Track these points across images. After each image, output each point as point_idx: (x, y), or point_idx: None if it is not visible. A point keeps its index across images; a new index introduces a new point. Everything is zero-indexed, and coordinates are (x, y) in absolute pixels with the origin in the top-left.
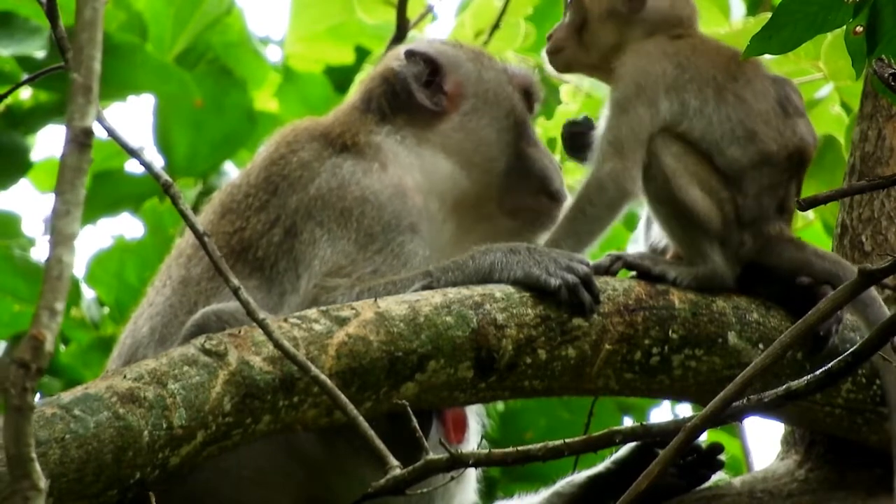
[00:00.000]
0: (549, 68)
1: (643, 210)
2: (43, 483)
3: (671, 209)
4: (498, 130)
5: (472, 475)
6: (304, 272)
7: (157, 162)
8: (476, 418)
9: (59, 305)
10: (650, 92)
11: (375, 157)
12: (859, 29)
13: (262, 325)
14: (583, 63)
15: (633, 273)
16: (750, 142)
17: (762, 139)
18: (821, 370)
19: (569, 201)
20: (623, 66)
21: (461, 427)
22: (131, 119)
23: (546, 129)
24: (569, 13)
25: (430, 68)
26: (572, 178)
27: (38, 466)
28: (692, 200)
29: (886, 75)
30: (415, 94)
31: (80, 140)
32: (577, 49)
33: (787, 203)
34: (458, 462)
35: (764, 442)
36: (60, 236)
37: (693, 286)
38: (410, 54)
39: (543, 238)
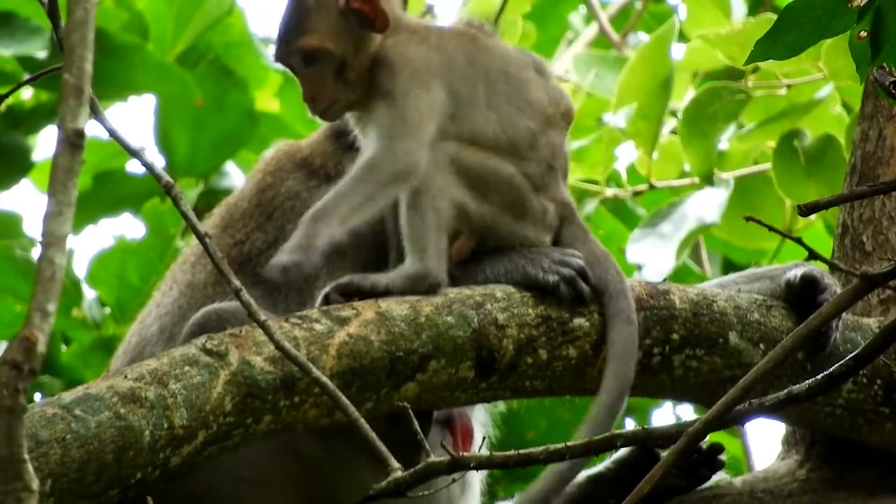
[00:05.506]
0: (320, 121)
1: None
2: (35, 484)
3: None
4: None
5: (476, 486)
6: (307, 300)
7: (158, 162)
8: (481, 429)
9: (52, 306)
10: (423, 78)
11: None
12: (863, 34)
13: (264, 326)
14: (352, 102)
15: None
16: (528, 108)
17: (540, 104)
18: (822, 374)
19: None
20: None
21: (468, 437)
22: (132, 119)
23: None
24: (315, 69)
25: None
26: (571, 175)
27: (30, 468)
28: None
29: (887, 83)
30: None
31: (72, 141)
32: (345, 93)
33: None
34: (459, 465)
35: (765, 442)
36: (52, 237)
37: (406, 289)
38: None
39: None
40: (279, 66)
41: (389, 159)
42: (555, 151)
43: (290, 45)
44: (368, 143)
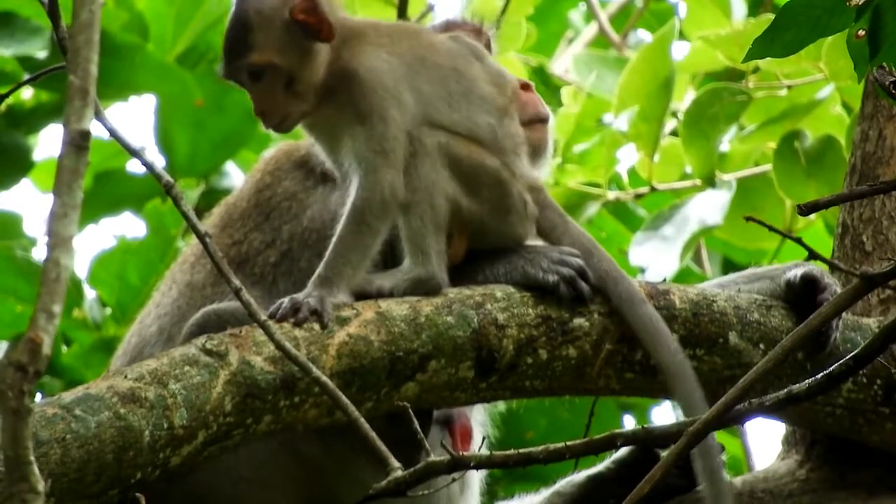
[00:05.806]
0: (275, 135)
1: None
2: (41, 486)
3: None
4: None
5: (475, 486)
6: None
7: (159, 162)
8: (481, 429)
9: (57, 308)
10: (394, 91)
11: None
12: (861, 33)
13: (264, 326)
14: (305, 113)
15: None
16: (483, 103)
17: (491, 98)
18: (822, 374)
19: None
20: (356, 85)
21: (467, 437)
22: (133, 119)
23: None
24: (263, 84)
25: None
26: (572, 178)
27: (36, 469)
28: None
29: (887, 83)
30: None
31: (77, 142)
32: (296, 105)
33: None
34: (459, 464)
35: (765, 442)
36: (58, 238)
37: (409, 291)
38: None
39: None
40: (228, 82)
41: (376, 199)
42: (515, 139)
43: (237, 61)
44: (352, 176)
